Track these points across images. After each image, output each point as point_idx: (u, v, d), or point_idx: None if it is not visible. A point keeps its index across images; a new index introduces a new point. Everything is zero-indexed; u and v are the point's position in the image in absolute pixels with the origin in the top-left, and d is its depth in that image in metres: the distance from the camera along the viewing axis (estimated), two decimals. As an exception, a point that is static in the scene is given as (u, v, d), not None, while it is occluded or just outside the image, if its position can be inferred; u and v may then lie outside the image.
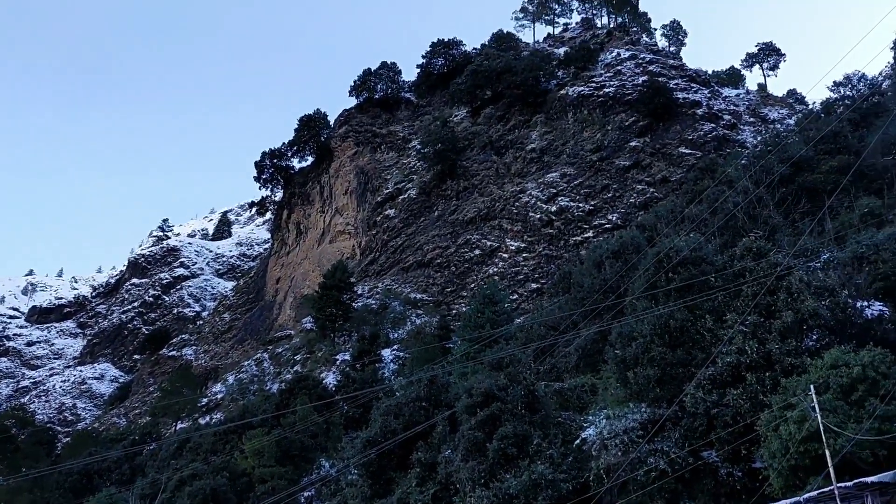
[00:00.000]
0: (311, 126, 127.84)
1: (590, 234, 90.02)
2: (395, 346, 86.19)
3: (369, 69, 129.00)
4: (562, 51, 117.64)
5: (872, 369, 28.43)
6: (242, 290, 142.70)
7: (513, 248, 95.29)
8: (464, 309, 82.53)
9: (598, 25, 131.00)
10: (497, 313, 65.58)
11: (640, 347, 37.72)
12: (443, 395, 50.35)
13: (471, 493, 37.85)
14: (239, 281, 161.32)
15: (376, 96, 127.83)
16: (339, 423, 70.32)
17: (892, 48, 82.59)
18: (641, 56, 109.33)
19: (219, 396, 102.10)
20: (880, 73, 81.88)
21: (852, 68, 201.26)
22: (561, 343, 50.39)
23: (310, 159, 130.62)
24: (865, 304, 36.26)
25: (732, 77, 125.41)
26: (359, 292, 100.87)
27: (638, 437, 35.13)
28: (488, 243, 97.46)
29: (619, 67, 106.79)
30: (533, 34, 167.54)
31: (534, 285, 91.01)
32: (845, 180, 48.47)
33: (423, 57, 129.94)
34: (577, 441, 38.90)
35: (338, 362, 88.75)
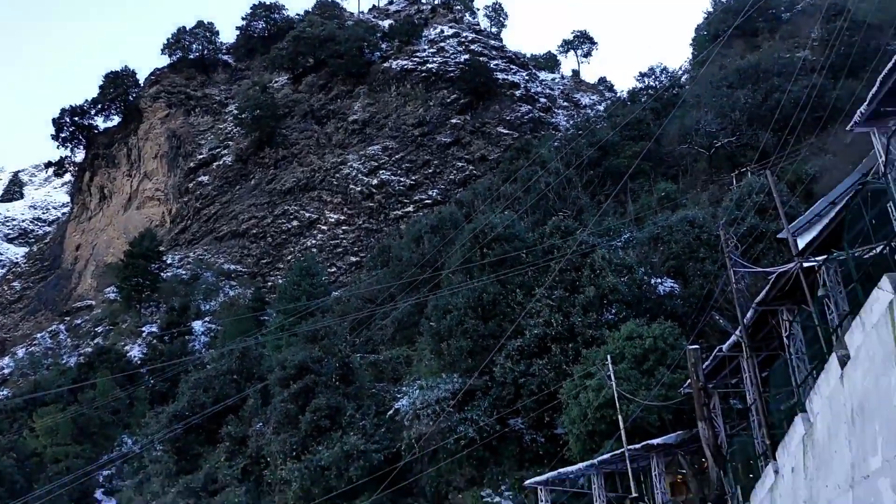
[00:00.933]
0: (119, 83, 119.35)
1: (410, 208, 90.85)
2: (206, 318, 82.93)
3: (184, 27, 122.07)
4: (386, 23, 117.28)
5: (662, 341, 30.81)
6: (36, 256, 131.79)
7: (332, 220, 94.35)
8: (280, 281, 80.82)
9: (423, 0, 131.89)
10: (314, 286, 64.76)
11: (454, 320, 38.65)
12: (255, 368, 49.19)
13: (282, 466, 37.35)
14: (32, 247, 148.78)
15: (191, 56, 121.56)
16: (145, 398, 66.83)
17: (691, 44, 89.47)
18: (464, 35, 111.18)
19: (6, 371, 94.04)
20: (680, 67, 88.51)
21: (657, 60, 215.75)
22: (378, 316, 50.65)
23: (116, 119, 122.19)
24: (659, 280, 39.17)
25: (549, 62, 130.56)
26: (168, 262, 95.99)
27: (449, 407, 36.08)
28: (307, 215, 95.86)
29: (442, 44, 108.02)
30: (357, 4, 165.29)
31: (353, 258, 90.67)
32: (637, 162, 51.94)
33: (243, 19, 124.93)
34: (391, 412, 39.40)
35: (144, 334, 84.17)
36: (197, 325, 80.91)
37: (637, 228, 44.82)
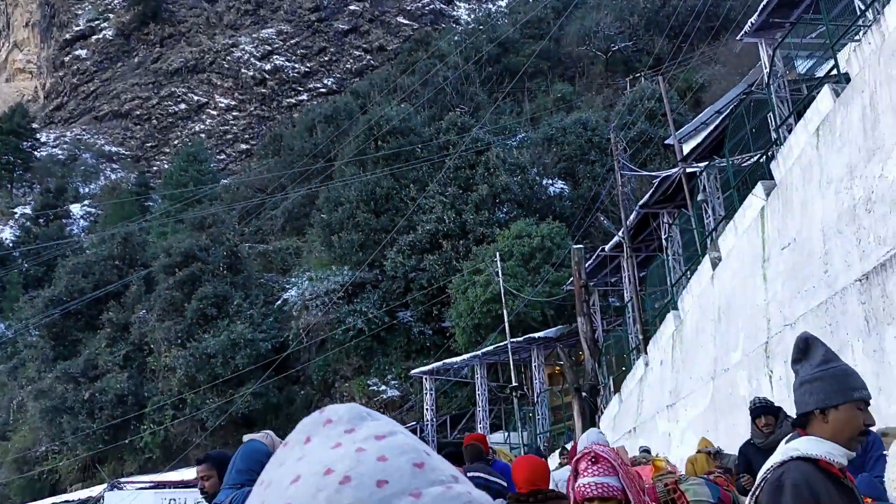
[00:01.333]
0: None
1: (304, 96, 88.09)
2: (86, 202, 79.25)
3: None
4: None
5: (550, 240, 31.73)
6: None
7: (222, 105, 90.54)
8: (166, 166, 77.79)
9: None
10: (202, 172, 62.63)
11: (345, 213, 38.38)
12: (139, 255, 47.66)
13: (166, 353, 36.90)
14: None
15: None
16: (18, 282, 64.02)
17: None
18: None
19: None
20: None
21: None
22: (268, 206, 49.69)
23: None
24: (550, 181, 39.95)
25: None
26: (42, 140, 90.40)
27: (338, 299, 36.27)
28: (195, 98, 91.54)
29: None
30: None
31: (243, 146, 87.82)
32: (535, 61, 51.94)
33: None
34: (279, 302, 39.28)
35: (16, 216, 79.91)
36: (75, 209, 77.32)
37: (532, 128, 45.20)
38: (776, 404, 6.64)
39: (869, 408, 2.57)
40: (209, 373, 35.28)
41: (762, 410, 6.45)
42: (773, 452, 5.66)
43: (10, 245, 69.91)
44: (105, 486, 27.93)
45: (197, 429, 35.82)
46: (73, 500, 29.71)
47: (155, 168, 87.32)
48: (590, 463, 2.79)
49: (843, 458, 2.48)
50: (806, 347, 2.65)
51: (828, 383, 2.52)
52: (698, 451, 7.85)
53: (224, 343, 35.40)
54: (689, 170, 17.04)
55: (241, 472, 4.23)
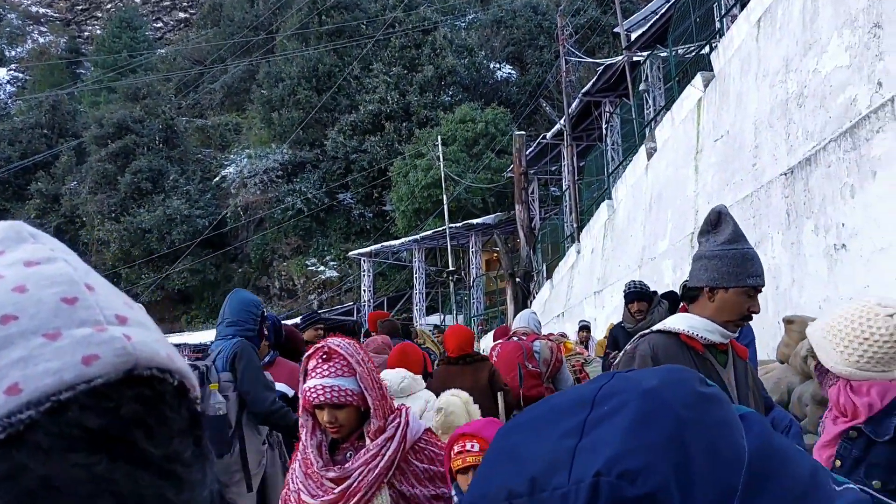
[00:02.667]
0: None
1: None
2: (12, 66, 75.26)
3: None
4: None
5: (494, 126, 31.45)
6: None
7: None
8: (98, 32, 73.95)
9: None
10: (136, 40, 59.73)
11: (286, 89, 37.25)
12: (69, 124, 45.86)
13: (99, 227, 36.14)
14: None
15: None
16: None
17: None
18: None
19: None
20: None
21: None
22: (206, 78, 47.91)
23: None
24: (497, 66, 39.24)
25: None
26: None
27: (278, 177, 35.71)
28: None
29: None
30: None
31: (181, 14, 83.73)
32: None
33: None
34: (217, 179, 38.49)
35: (-62, 78, 75.67)
36: (0, 72, 73.40)
37: (482, 9, 43.95)
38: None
39: (759, 295, 2.59)
40: (144, 248, 34.79)
41: (636, 296, 6.11)
42: None
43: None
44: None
45: (132, 303, 35.56)
46: None
47: (87, 33, 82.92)
48: (320, 360, 2.22)
49: (717, 335, 2.52)
50: (717, 221, 2.60)
51: (725, 263, 2.51)
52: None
53: (160, 218, 34.79)
54: (633, 59, 16.85)
55: (232, 324, 4.23)
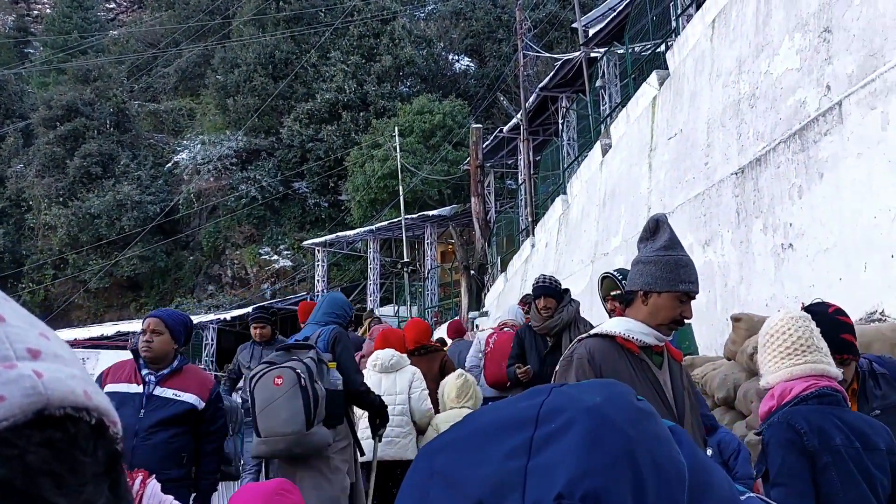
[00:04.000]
0: None
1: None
2: (-43, 43, 73.03)
3: None
4: None
5: (451, 118, 31.43)
6: None
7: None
8: (48, 11, 72.07)
9: None
10: (88, 21, 58.28)
11: (242, 75, 36.71)
12: (16, 105, 44.57)
13: (46, 211, 35.25)
14: None
15: None
16: None
17: None
18: None
19: None
20: None
21: None
22: (160, 62, 46.96)
23: None
24: (456, 58, 39.21)
25: None
26: None
27: (232, 165, 35.22)
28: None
29: None
30: None
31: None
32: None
33: None
34: (170, 164, 37.81)
35: None
36: (-56, 50, 70.98)
37: (441, 0, 43.83)
38: (563, 286, 5.76)
39: (692, 302, 2.65)
40: (93, 233, 34.05)
41: (542, 291, 5.53)
42: (550, 337, 5.28)
43: None
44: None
45: (80, 289, 34.83)
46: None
47: (35, 12, 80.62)
48: None
49: (651, 338, 2.60)
50: (655, 228, 2.68)
51: (659, 269, 2.58)
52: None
53: (109, 203, 34.07)
54: (591, 55, 16.97)
55: (327, 314, 4.93)
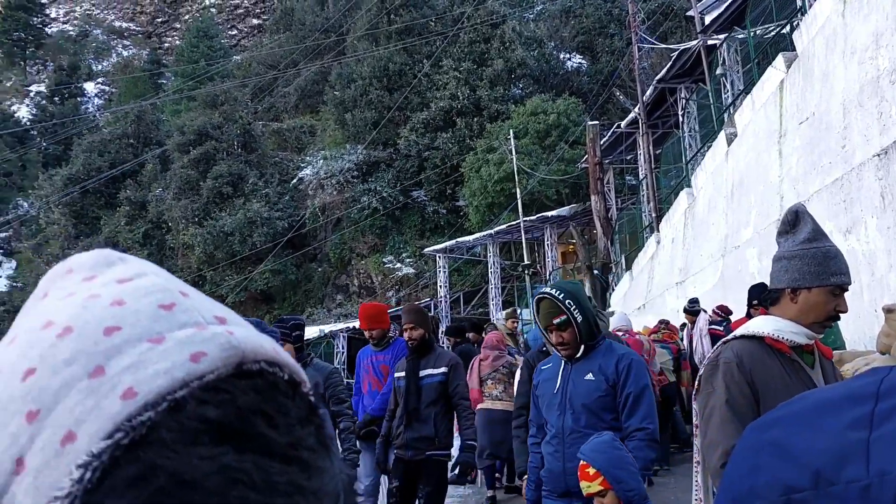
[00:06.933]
0: None
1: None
2: (99, 79, 78.38)
3: None
4: None
5: (566, 117, 31.11)
6: None
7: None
8: (177, 42, 76.35)
9: None
10: (213, 49, 61.45)
11: (358, 90, 37.69)
12: (153, 133, 47.55)
13: (184, 231, 37.34)
14: None
15: None
16: (37, 161, 64.33)
17: None
18: None
19: None
20: None
21: None
22: (280, 82, 48.88)
23: None
24: (568, 56, 38.82)
25: None
26: (52, 16, 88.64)
27: (353, 178, 36.17)
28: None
29: None
30: None
31: (254, 21, 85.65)
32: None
33: None
34: (294, 181, 39.26)
35: (31, 94, 79.28)
36: (89, 87, 76.54)
37: (550, 0, 43.53)
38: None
39: (845, 294, 2.50)
40: (227, 250, 35.76)
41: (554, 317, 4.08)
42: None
43: (28, 123, 69.77)
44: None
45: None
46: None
47: (166, 44, 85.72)
48: None
49: (802, 337, 2.44)
50: (794, 221, 2.53)
51: (806, 263, 2.44)
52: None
53: (241, 221, 35.70)
54: (709, 42, 16.39)
55: None
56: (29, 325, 0.51)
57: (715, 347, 2.55)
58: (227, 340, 0.48)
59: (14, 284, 57.46)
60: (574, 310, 3.45)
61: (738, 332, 2.53)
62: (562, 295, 3.48)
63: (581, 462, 3.00)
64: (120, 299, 0.50)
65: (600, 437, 3.05)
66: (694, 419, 2.57)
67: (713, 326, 9.66)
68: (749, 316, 7.30)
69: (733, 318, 9.87)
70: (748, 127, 11.71)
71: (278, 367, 0.50)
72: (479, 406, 8.38)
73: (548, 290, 3.58)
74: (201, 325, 0.49)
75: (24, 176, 64.14)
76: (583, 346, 3.50)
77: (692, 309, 10.27)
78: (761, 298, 2.98)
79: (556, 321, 3.44)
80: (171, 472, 0.42)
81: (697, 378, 2.56)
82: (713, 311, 10.07)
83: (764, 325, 2.48)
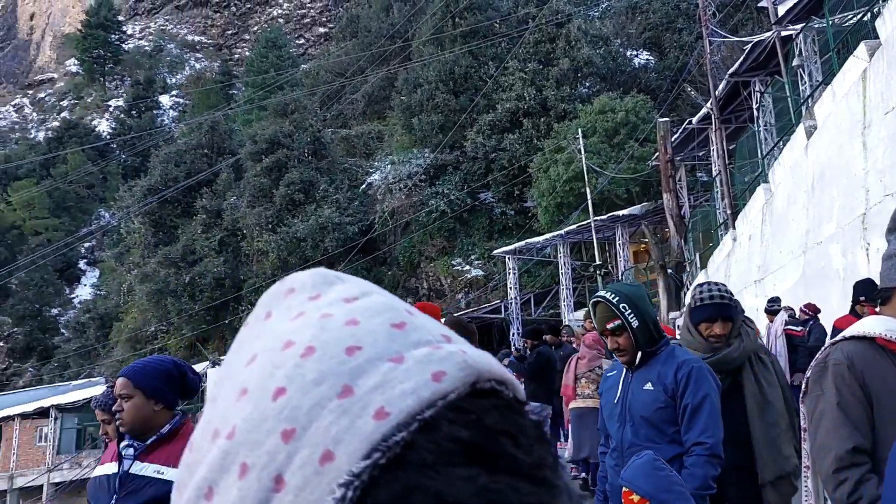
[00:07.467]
0: None
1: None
2: (173, 92, 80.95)
3: None
4: None
5: (634, 114, 30.70)
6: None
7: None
8: (247, 53, 78.23)
9: None
10: (281, 58, 62.77)
11: (425, 94, 37.97)
12: (226, 142, 48.84)
13: (258, 238, 38.24)
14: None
15: None
16: (117, 173, 66.83)
17: None
18: None
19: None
20: None
21: None
22: (348, 90, 49.59)
23: None
24: (635, 53, 38.32)
25: None
26: (129, 32, 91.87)
27: (421, 181, 36.46)
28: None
29: None
30: None
31: (321, 29, 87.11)
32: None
33: None
34: (363, 186, 39.80)
35: (111, 109, 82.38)
36: (164, 100, 79.11)
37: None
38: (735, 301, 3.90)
39: None
40: (300, 256, 36.46)
41: (718, 312, 3.71)
42: (723, 375, 3.63)
43: (108, 137, 72.51)
44: (207, 363, 29.71)
45: (291, 310, 37.38)
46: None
47: (237, 56, 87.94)
48: None
49: None
50: None
51: None
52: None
53: (313, 227, 36.36)
54: (783, 33, 15.97)
55: None
56: (267, 344, 0.51)
57: (823, 349, 2.46)
58: (463, 359, 0.49)
59: (98, 292, 59.83)
60: (629, 314, 3.24)
61: (848, 332, 2.41)
62: (616, 298, 3.28)
63: (623, 489, 2.67)
64: (353, 319, 0.51)
65: (640, 459, 2.73)
66: (802, 423, 2.51)
67: (789, 327, 9.40)
68: (854, 313, 7.08)
69: (821, 315, 9.63)
70: (829, 119, 11.38)
71: (504, 386, 0.51)
72: (571, 404, 8.53)
73: (603, 293, 3.38)
74: (433, 343, 0.50)
75: (105, 188, 66.75)
76: (640, 353, 3.28)
77: (771, 308, 10.01)
78: (870, 297, 2.80)
79: (609, 326, 3.27)
80: (434, 492, 0.43)
81: (805, 380, 2.48)
82: (800, 309, 9.79)
83: (875, 325, 2.36)
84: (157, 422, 3.03)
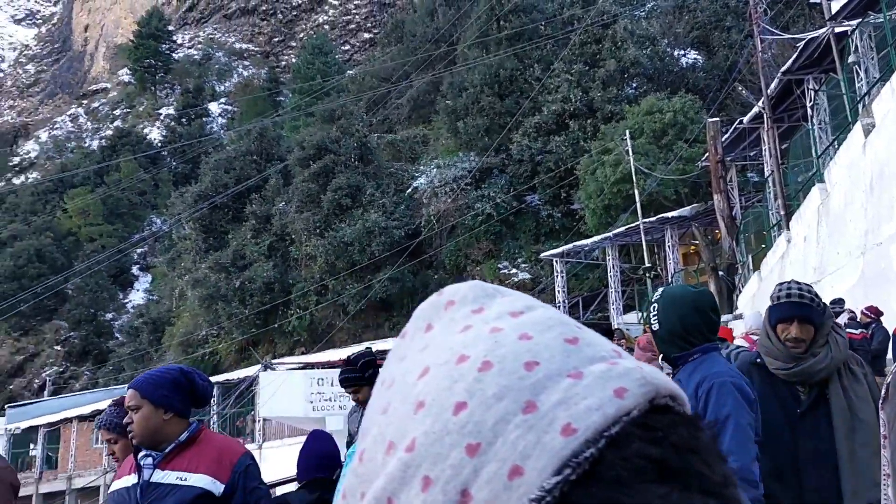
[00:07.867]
0: None
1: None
2: (222, 100, 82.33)
3: None
4: None
5: (682, 115, 30.31)
6: (45, 38, 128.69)
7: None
8: (293, 60, 79.22)
9: None
10: (327, 64, 63.44)
11: (470, 97, 37.99)
12: (274, 149, 49.51)
13: (307, 243, 38.68)
14: (40, 28, 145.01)
15: None
16: (168, 180, 68.20)
17: None
18: None
19: (32, 155, 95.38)
20: None
21: None
22: (393, 94, 49.88)
23: None
24: (682, 52, 37.86)
25: None
26: (179, 42, 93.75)
27: (466, 185, 36.49)
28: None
29: None
30: None
31: (366, 35, 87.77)
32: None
33: None
34: (409, 190, 39.98)
35: (162, 117, 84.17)
36: (213, 107, 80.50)
37: (662, -4, 42.58)
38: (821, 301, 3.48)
39: None
40: (347, 260, 36.77)
41: (797, 311, 3.30)
42: (806, 387, 3.30)
43: (159, 145, 74.07)
44: (259, 366, 30.11)
45: (339, 313, 37.73)
46: (232, 380, 32.21)
47: (283, 63, 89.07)
48: None
49: None
50: None
51: None
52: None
53: (360, 231, 36.64)
54: (838, 29, 15.63)
55: None
56: (440, 357, 0.51)
57: None
58: (642, 375, 0.49)
59: (151, 297, 61.16)
60: (654, 316, 3.00)
61: None
62: (655, 298, 3.08)
63: None
64: (525, 333, 0.50)
65: None
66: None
67: (849, 330, 9.18)
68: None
69: (884, 318, 9.40)
70: (888, 116, 11.12)
71: (677, 402, 0.50)
72: None
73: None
74: (608, 359, 0.50)
75: (156, 195, 68.23)
76: (665, 360, 3.01)
77: (834, 311, 9.80)
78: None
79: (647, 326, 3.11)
80: None
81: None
82: (862, 312, 9.56)
83: None
84: (168, 431, 3.04)
